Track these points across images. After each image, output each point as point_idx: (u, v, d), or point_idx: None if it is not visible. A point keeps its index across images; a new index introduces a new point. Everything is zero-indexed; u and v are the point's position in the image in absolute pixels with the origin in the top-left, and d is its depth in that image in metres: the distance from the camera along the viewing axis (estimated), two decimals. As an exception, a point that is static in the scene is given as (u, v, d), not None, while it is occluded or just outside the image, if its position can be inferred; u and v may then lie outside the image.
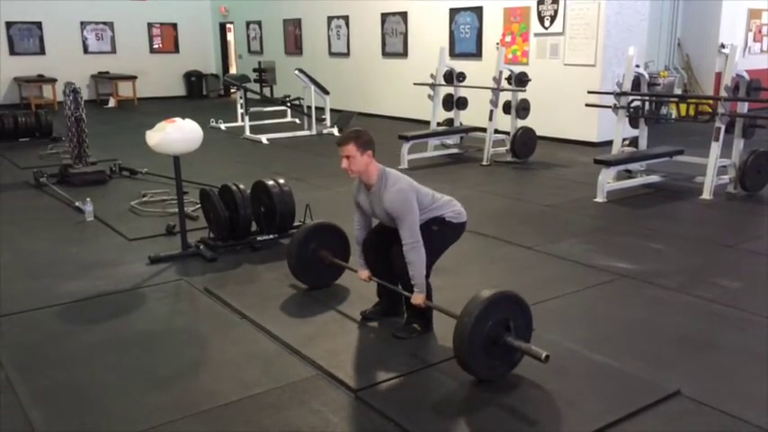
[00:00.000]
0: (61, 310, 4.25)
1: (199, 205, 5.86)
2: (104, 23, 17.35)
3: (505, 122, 9.20)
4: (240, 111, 12.63)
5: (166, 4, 17.94)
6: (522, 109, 9.14)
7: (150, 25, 18.01)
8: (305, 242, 4.30)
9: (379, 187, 3.59)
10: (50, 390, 3.28)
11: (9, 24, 16.17)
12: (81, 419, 3.03)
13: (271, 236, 5.43)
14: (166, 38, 18.33)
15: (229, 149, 10.45)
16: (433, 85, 9.93)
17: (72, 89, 7.72)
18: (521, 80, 9.03)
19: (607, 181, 7.00)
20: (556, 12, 10.31)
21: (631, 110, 7.75)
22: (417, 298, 3.59)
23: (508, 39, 11.06)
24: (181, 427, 2.94)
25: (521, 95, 9.12)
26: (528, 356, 3.15)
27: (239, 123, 12.43)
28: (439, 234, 3.69)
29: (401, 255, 3.59)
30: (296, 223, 5.64)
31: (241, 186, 5.39)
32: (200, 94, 18.56)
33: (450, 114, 10.11)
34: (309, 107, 12.07)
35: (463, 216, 3.81)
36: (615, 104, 7.73)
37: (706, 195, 6.95)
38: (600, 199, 6.90)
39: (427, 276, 3.67)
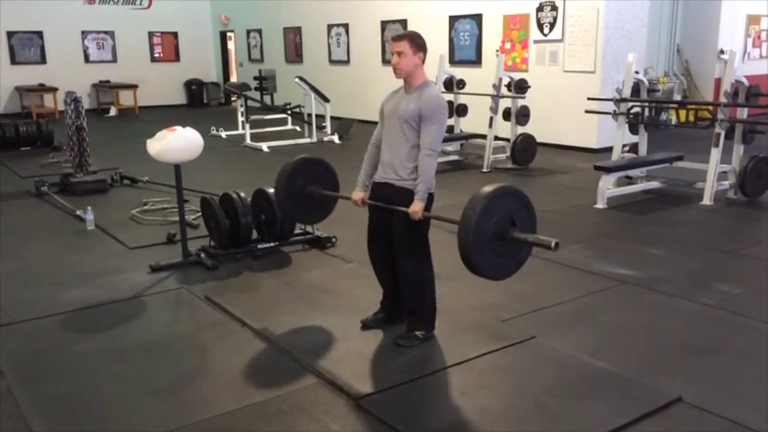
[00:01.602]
0: (62, 318, 4.25)
1: (199, 213, 5.86)
2: (105, 32, 17.40)
3: (505, 129, 9.22)
4: (241, 119, 12.64)
5: (167, 12, 17.99)
6: (522, 116, 9.15)
7: (151, 34, 18.05)
8: (292, 177, 4.06)
9: (422, 88, 3.57)
10: (51, 398, 3.28)
11: (10, 34, 16.21)
12: (82, 428, 3.03)
13: (271, 244, 5.43)
14: (167, 46, 18.38)
15: (230, 157, 10.47)
16: (433, 93, 9.93)
17: (73, 98, 7.73)
18: (520, 87, 9.05)
19: (607, 187, 7.00)
20: (555, 19, 10.33)
21: (631, 116, 7.76)
22: (416, 205, 3.49)
23: (507, 46, 11.08)
24: (182, 436, 2.94)
25: (520, 102, 9.13)
26: (537, 247, 3.07)
27: (240, 131, 12.44)
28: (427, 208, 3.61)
29: (405, 264, 3.62)
30: (297, 231, 5.65)
31: (242, 194, 5.40)
32: (201, 103, 18.59)
33: (451, 121, 10.11)
34: (310, 115, 12.09)
35: (434, 183, 3.70)
36: (615, 111, 7.74)
37: (706, 201, 6.95)
38: (600, 205, 6.90)
39: (430, 262, 3.66)
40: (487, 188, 3.10)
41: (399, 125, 3.58)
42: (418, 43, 3.57)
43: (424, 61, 3.61)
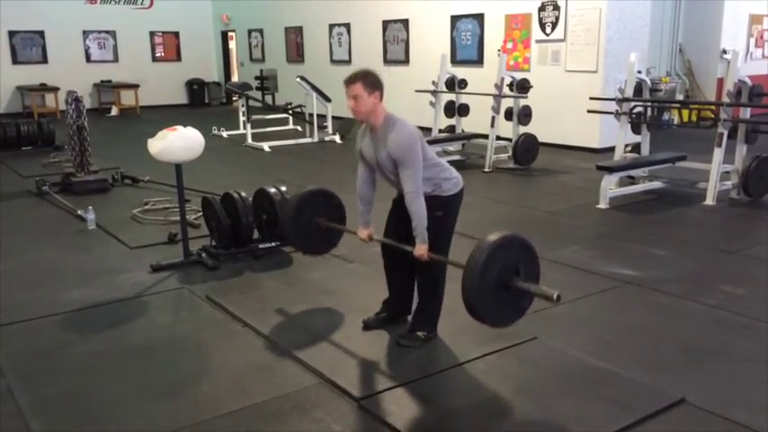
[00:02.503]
0: (63, 318, 4.24)
1: (201, 213, 5.86)
2: (107, 32, 17.40)
3: (507, 129, 9.20)
4: (242, 118, 12.65)
5: (168, 12, 17.99)
6: (524, 115, 9.14)
7: (152, 34, 18.05)
8: (299, 209, 4.10)
9: (386, 130, 3.49)
10: (52, 399, 3.27)
11: (12, 33, 16.21)
12: (82, 429, 3.02)
13: (273, 243, 5.42)
14: (168, 46, 18.37)
15: (231, 157, 10.46)
16: (434, 92, 9.94)
17: (74, 98, 7.72)
18: (522, 87, 9.04)
19: (609, 187, 6.98)
20: (557, 18, 10.32)
21: (633, 116, 7.74)
22: (420, 249, 3.48)
23: (509, 45, 11.07)
24: (182, 437, 2.93)
25: (522, 102, 9.12)
26: (539, 298, 3.06)
27: (241, 131, 12.44)
28: (444, 217, 3.61)
29: (424, 273, 3.65)
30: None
31: (243, 194, 5.39)
32: (202, 103, 18.59)
33: (452, 121, 10.11)
34: (311, 114, 12.08)
35: (461, 182, 3.71)
36: (617, 110, 7.73)
37: (709, 201, 6.93)
38: (602, 205, 6.89)
39: (445, 268, 3.65)
40: (494, 236, 3.09)
41: (384, 173, 3.60)
42: (371, 82, 3.47)
43: (381, 98, 3.51)
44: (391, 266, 3.89)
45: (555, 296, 2.95)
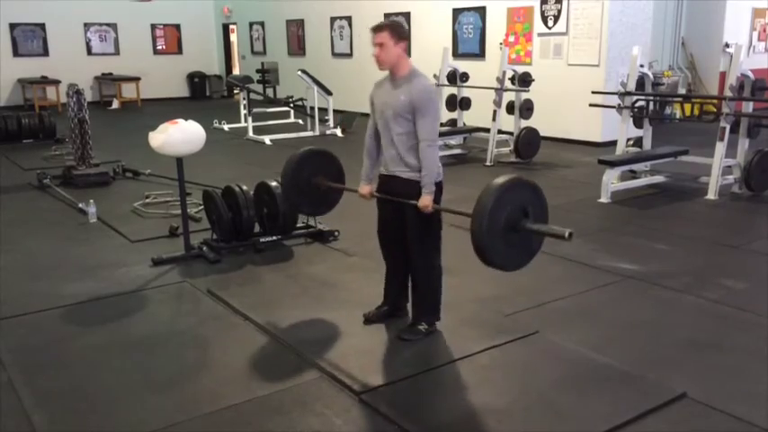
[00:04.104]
0: (64, 312, 4.24)
1: (202, 207, 5.85)
2: (108, 25, 17.36)
3: (509, 123, 9.18)
4: (243, 112, 12.63)
5: (169, 5, 17.94)
6: (526, 109, 9.11)
7: (153, 26, 18.01)
8: (299, 168, 4.06)
9: (410, 78, 3.48)
10: (53, 392, 3.27)
11: (13, 26, 16.18)
12: (83, 422, 3.02)
13: (274, 237, 5.42)
14: (170, 39, 18.33)
15: (232, 150, 10.45)
16: (436, 86, 9.90)
17: (75, 91, 7.71)
18: (524, 80, 9.01)
19: (611, 181, 6.96)
20: (559, 11, 10.28)
21: (635, 110, 7.72)
22: (425, 199, 3.46)
23: (511, 39, 11.03)
24: (184, 430, 2.93)
25: (524, 96, 9.09)
26: (550, 237, 3.05)
27: (242, 124, 12.42)
28: (437, 200, 3.57)
29: (417, 257, 3.61)
30: (299, 225, 5.64)
31: (244, 187, 5.38)
32: (204, 96, 18.56)
33: (454, 115, 10.09)
34: (312, 108, 12.06)
35: (441, 172, 3.64)
36: (619, 104, 7.71)
37: (711, 195, 6.92)
38: (604, 199, 6.87)
39: (438, 251, 3.64)
40: (500, 179, 3.07)
41: (394, 119, 3.51)
42: (399, 32, 3.48)
43: (407, 50, 3.51)
44: (389, 251, 3.85)
45: (567, 234, 2.92)
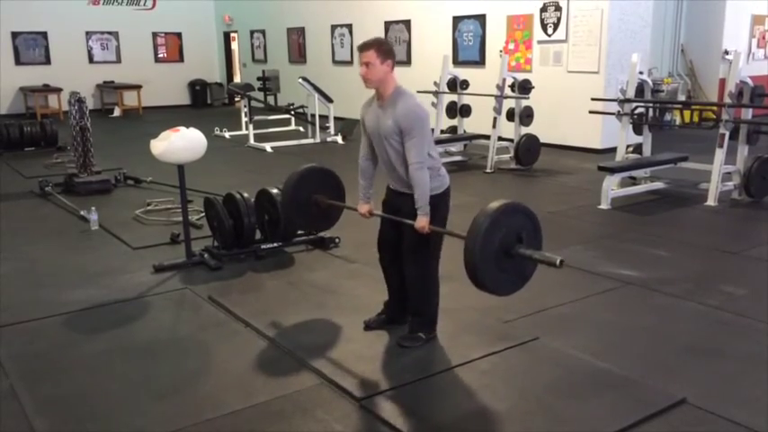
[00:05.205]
0: (66, 318, 4.26)
1: (203, 214, 5.87)
2: (109, 33, 17.43)
3: (509, 130, 9.21)
4: (244, 119, 12.67)
5: (171, 13, 18.01)
6: (526, 116, 9.14)
7: (155, 35, 18.07)
8: (299, 185, 4.07)
9: (394, 99, 3.49)
10: (54, 399, 3.28)
11: (15, 34, 16.25)
12: (84, 428, 3.03)
13: (275, 244, 5.43)
14: (171, 47, 18.40)
15: (233, 158, 10.48)
16: (436, 93, 9.95)
17: (77, 98, 7.75)
18: (524, 87, 9.04)
19: (611, 188, 6.98)
20: (559, 19, 10.32)
21: (635, 116, 7.75)
22: (421, 221, 3.46)
23: (511, 46, 11.07)
24: (185, 437, 2.94)
25: (524, 103, 9.12)
26: (542, 265, 3.06)
27: (243, 132, 12.46)
28: (436, 216, 3.56)
29: (411, 268, 3.62)
30: (300, 232, 5.65)
31: (245, 195, 5.40)
32: (205, 103, 18.61)
33: (454, 122, 10.12)
34: (313, 115, 12.08)
35: (447, 179, 3.68)
36: (619, 111, 7.74)
37: (711, 202, 6.93)
38: (604, 206, 6.89)
39: (437, 262, 3.65)
40: (496, 203, 3.08)
41: (385, 143, 3.54)
42: (385, 50, 3.48)
43: (393, 68, 3.52)
44: (388, 265, 3.87)
45: (558, 261, 2.93)
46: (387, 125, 3.49)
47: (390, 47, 3.54)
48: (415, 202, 3.47)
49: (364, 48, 3.48)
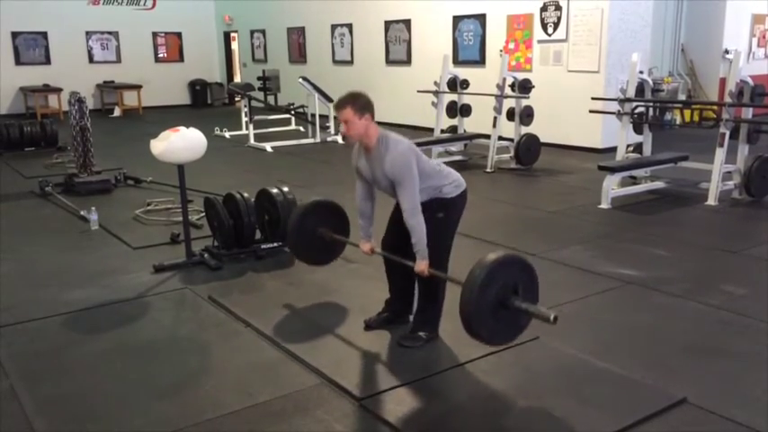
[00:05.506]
0: (66, 318, 4.26)
1: (203, 214, 5.87)
2: (109, 33, 17.43)
3: (509, 129, 9.20)
4: (244, 119, 12.67)
5: (171, 13, 18.01)
6: (526, 116, 9.13)
7: (155, 34, 18.08)
8: (303, 219, 4.14)
9: (380, 150, 3.52)
10: (54, 399, 3.28)
11: (15, 34, 16.26)
12: (84, 428, 3.03)
13: (275, 244, 5.43)
14: (171, 47, 18.40)
15: (234, 158, 10.48)
16: (436, 93, 9.95)
17: (77, 98, 7.75)
18: (524, 87, 9.03)
19: (611, 187, 6.98)
20: (559, 18, 10.31)
21: (635, 116, 7.74)
22: (420, 265, 3.51)
23: (511, 46, 11.07)
24: (185, 437, 2.94)
25: (524, 102, 9.11)
26: (537, 319, 3.06)
27: (243, 131, 12.47)
28: (445, 219, 3.64)
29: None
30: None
31: (245, 194, 5.40)
32: (205, 103, 18.62)
33: (454, 121, 10.12)
34: (313, 115, 12.10)
35: (462, 184, 3.73)
36: (619, 111, 7.73)
37: (711, 201, 6.93)
38: (604, 205, 6.89)
39: (445, 266, 3.66)
40: (493, 255, 3.09)
41: (382, 189, 3.65)
42: (360, 106, 3.49)
43: (373, 118, 3.54)
44: (391, 266, 3.90)
45: (552, 318, 2.94)
46: (379, 175, 3.56)
47: (366, 99, 3.55)
48: (413, 246, 3.51)
49: (339, 107, 3.51)
